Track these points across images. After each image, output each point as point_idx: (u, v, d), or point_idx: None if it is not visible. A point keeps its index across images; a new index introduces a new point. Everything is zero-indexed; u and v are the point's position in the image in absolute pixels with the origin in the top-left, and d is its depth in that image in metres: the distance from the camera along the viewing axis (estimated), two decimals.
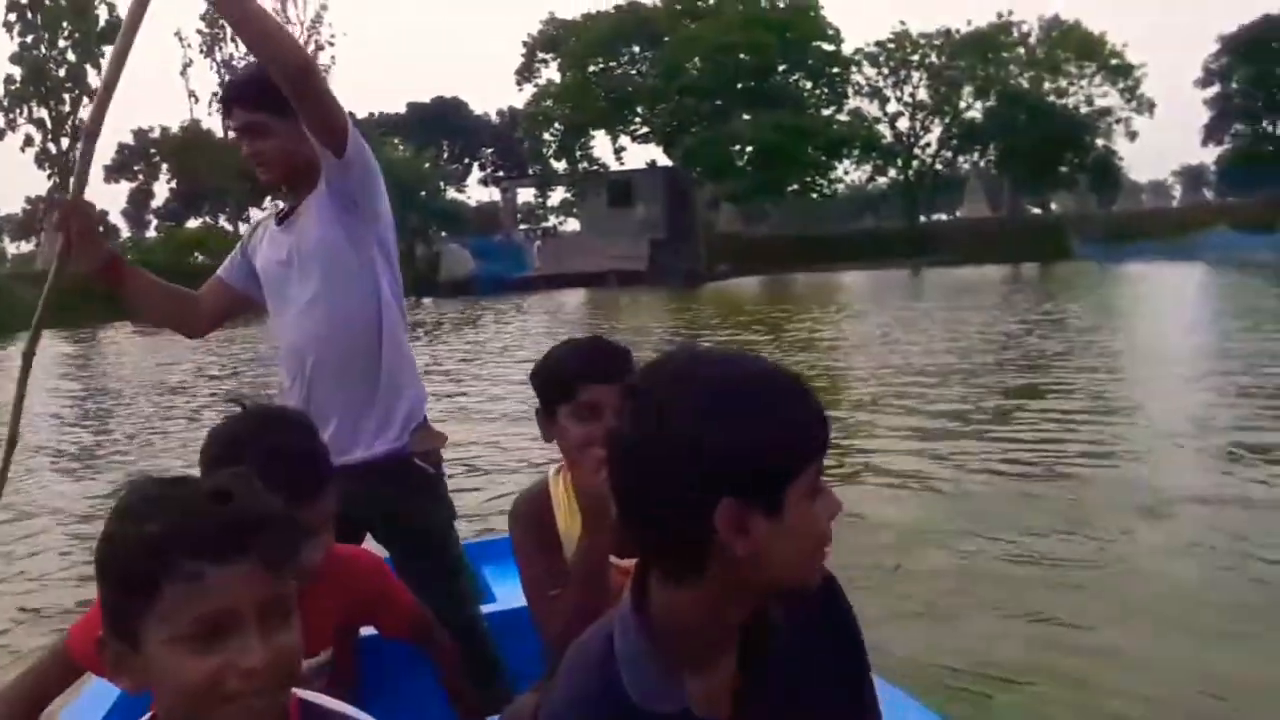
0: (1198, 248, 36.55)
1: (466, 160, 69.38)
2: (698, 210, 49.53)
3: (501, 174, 64.75)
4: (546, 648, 1.84)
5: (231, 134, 2.31)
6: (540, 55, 53.70)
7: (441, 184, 55.53)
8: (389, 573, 2.04)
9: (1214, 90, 53.17)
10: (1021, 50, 56.04)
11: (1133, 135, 55.47)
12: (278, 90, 2.06)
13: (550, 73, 53.99)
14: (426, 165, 49.29)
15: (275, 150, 2.23)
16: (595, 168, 51.33)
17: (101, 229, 2.40)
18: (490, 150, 69.60)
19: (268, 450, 1.54)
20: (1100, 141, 54.49)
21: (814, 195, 52.88)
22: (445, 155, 64.64)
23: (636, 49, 52.29)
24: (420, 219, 48.13)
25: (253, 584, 0.98)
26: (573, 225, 55.29)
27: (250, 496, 1.02)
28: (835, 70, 52.98)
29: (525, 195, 58.08)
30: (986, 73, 54.47)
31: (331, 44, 54.34)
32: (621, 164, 52.49)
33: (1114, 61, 54.80)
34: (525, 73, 54.37)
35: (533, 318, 25.11)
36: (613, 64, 52.26)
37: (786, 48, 48.88)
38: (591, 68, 51.52)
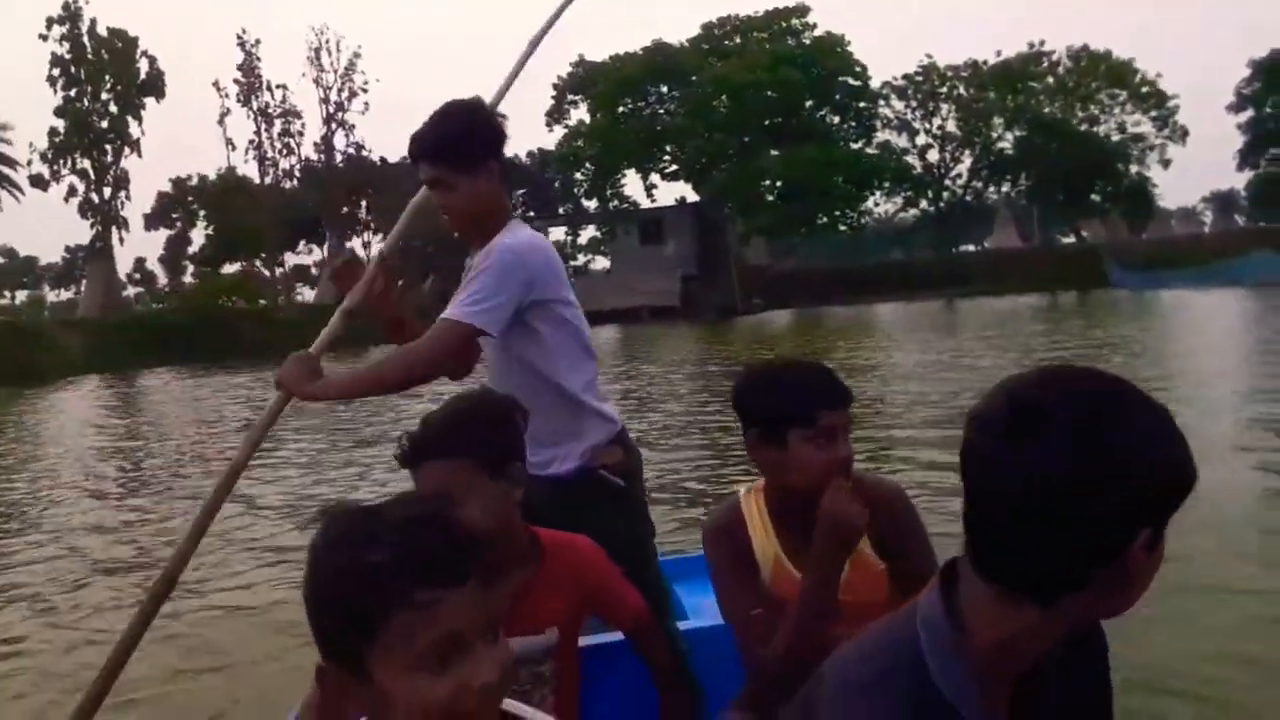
0: (1236, 271, 36.06)
1: None
2: (728, 245, 49.72)
3: (533, 214, 65.39)
4: (750, 666, 1.83)
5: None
6: (570, 97, 54.45)
7: None
8: (610, 562, 2.03)
9: (1247, 115, 52.84)
10: (1051, 80, 56.01)
11: (1166, 163, 55.17)
12: (455, 145, 2.31)
13: (580, 113, 54.74)
14: None
15: (455, 203, 2.38)
16: (626, 205, 51.80)
17: (400, 283, 2.67)
18: (521, 191, 70.38)
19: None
20: (1134, 169, 54.28)
21: (842, 228, 52.95)
22: None
23: (664, 89, 52.90)
24: (455, 263, 48.64)
25: (475, 605, 1.00)
26: (603, 263, 55.61)
27: (456, 521, 1.04)
28: (863, 104, 53.30)
29: (555, 234, 58.57)
30: (1016, 103, 54.46)
31: (365, 90, 55.12)
32: (653, 201, 52.93)
33: (1144, 89, 54.60)
34: (555, 114, 55.14)
35: None
36: (641, 104, 52.89)
37: (814, 84, 49.30)
38: (620, 108, 52.14)
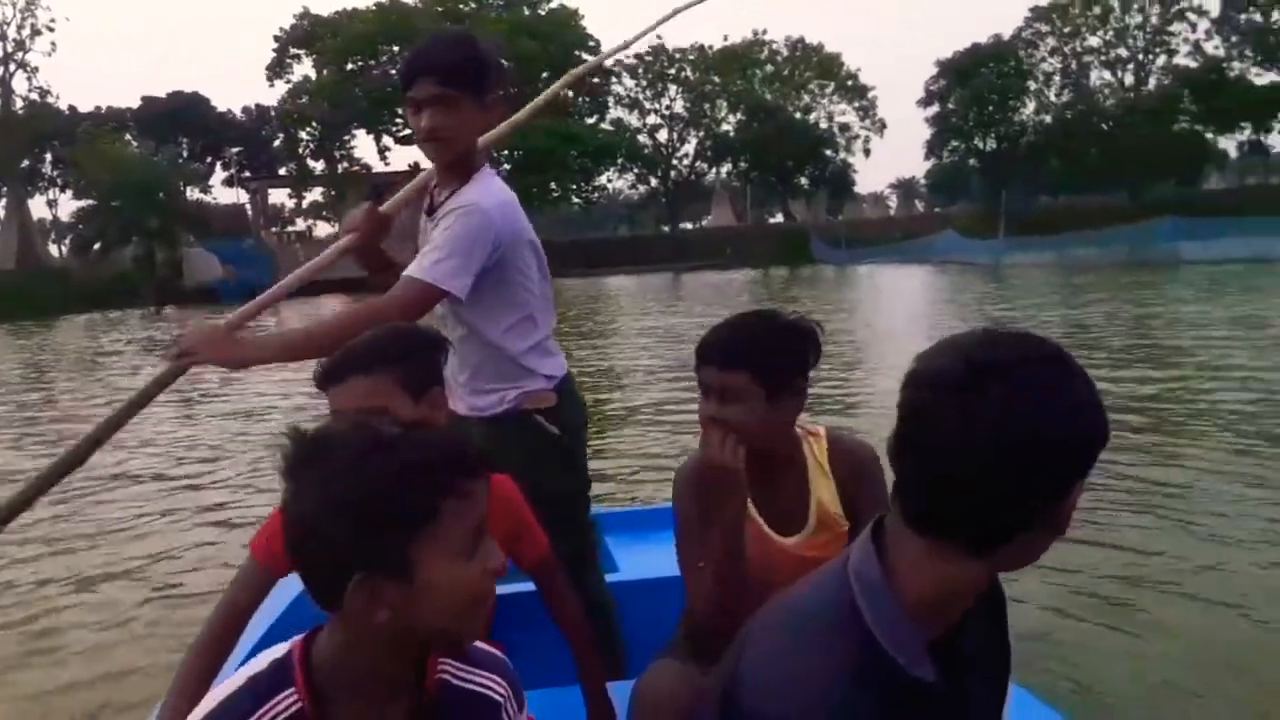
0: (925, 250, 40.36)
1: (209, 159, 64.91)
2: None
3: (249, 174, 61.18)
4: (689, 614, 1.84)
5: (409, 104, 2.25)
6: (293, 51, 51.30)
7: (182, 184, 51.85)
8: (525, 502, 2.00)
9: (934, 110, 58.86)
10: (770, 67, 59.77)
11: (868, 151, 60.97)
12: (471, 68, 2.18)
13: (304, 69, 51.73)
14: (164, 164, 45.80)
15: (453, 127, 2.21)
16: (356, 168, 49.64)
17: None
18: (236, 149, 65.53)
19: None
20: (841, 156, 59.34)
21: (576, 202, 53.78)
22: (185, 154, 60.34)
23: (397, 49, 51.10)
24: (161, 221, 44.69)
25: (486, 493, 1.08)
26: (327, 229, 53.14)
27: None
28: (597, 80, 54.14)
29: (278, 196, 55.25)
30: (738, 88, 57.64)
31: (51, 29, 49.17)
32: (387, 165, 51.10)
33: (850, 83, 59.71)
34: (277, 69, 51.77)
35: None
36: (372, 63, 50.75)
37: (550, 56, 49.44)
38: (350, 65, 49.78)
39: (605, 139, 52.22)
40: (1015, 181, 52.02)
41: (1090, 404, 1.03)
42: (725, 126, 58.96)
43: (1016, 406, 0.99)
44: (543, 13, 52.16)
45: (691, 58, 58.31)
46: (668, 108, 59.25)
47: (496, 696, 1.20)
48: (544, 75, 51.04)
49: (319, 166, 50.46)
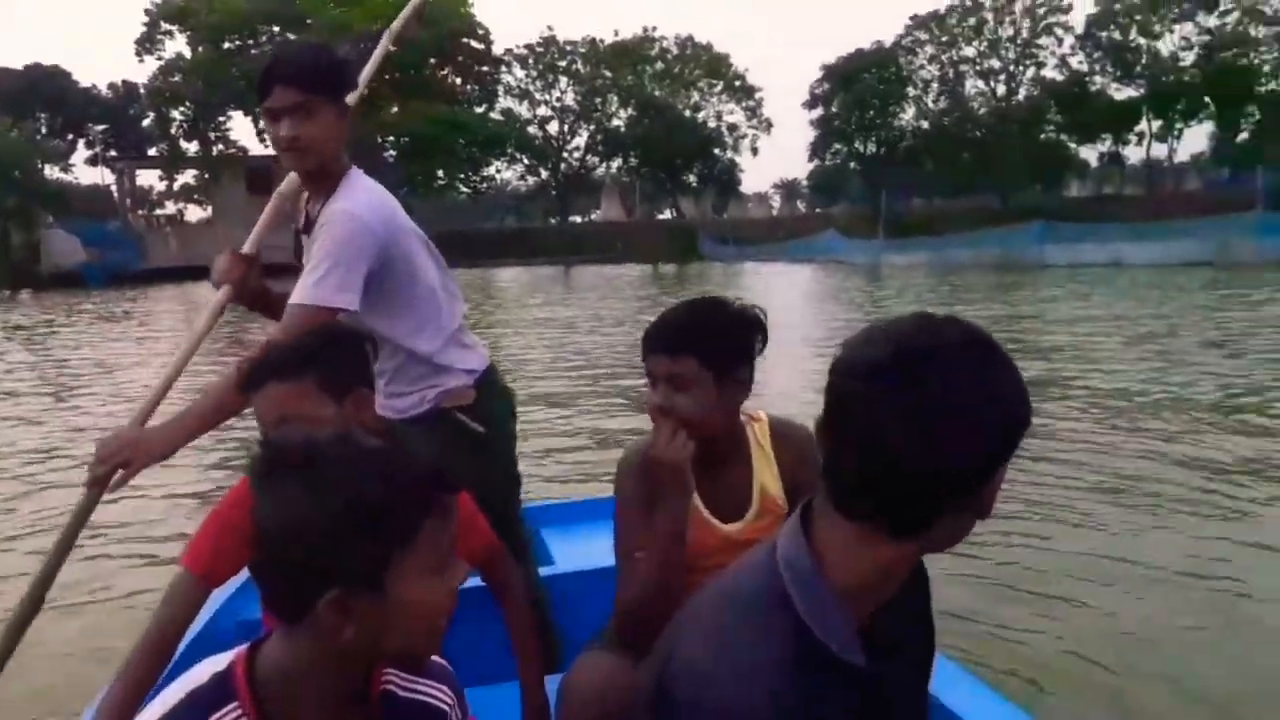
0: (808, 248, 41.38)
1: (71, 136, 61.38)
2: None
3: (115, 154, 58.08)
4: (620, 605, 1.78)
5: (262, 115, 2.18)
6: (165, 26, 48.87)
7: (40, 162, 48.94)
8: (467, 496, 1.89)
9: (818, 113, 60.25)
10: (661, 64, 60.14)
11: (755, 150, 62.05)
12: (331, 72, 2.14)
13: (178, 45, 49.41)
14: (21, 140, 43.15)
15: (315, 135, 2.15)
16: (233, 151, 47.67)
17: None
18: (101, 127, 62.12)
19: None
20: (729, 155, 60.23)
21: (464, 191, 53.01)
22: (44, 130, 56.95)
23: (276, 29, 49.27)
24: (16, 200, 42.09)
25: (457, 510, 1.09)
26: (199, 213, 50.98)
27: None
28: (485, 69, 53.46)
29: (147, 178, 52.66)
30: (629, 83, 57.81)
31: None
32: (265, 148, 49.21)
33: (738, 83, 60.64)
34: (147, 44, 49.23)
35: (150, 317, 22.56)
36: (250, 42, 48.80)
37: (439, 42, 48.52)
38: (226, 44, 47.74)
39: (495, 129, 51.60)
40: (892, 184, 53.80)
41: (1013, 388, 1.04)
42: (616, 121, 59.10)
43: (941, 392, 1.00)
44: None
45: (583, 50, 58.19)
46: (559, 100, 59.05)
47: (443, 705, 1.19)
48: (431, 61, 50.21)
49: (192, 148, 48.21)
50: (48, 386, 10.71)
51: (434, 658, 1.19)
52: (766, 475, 1.84)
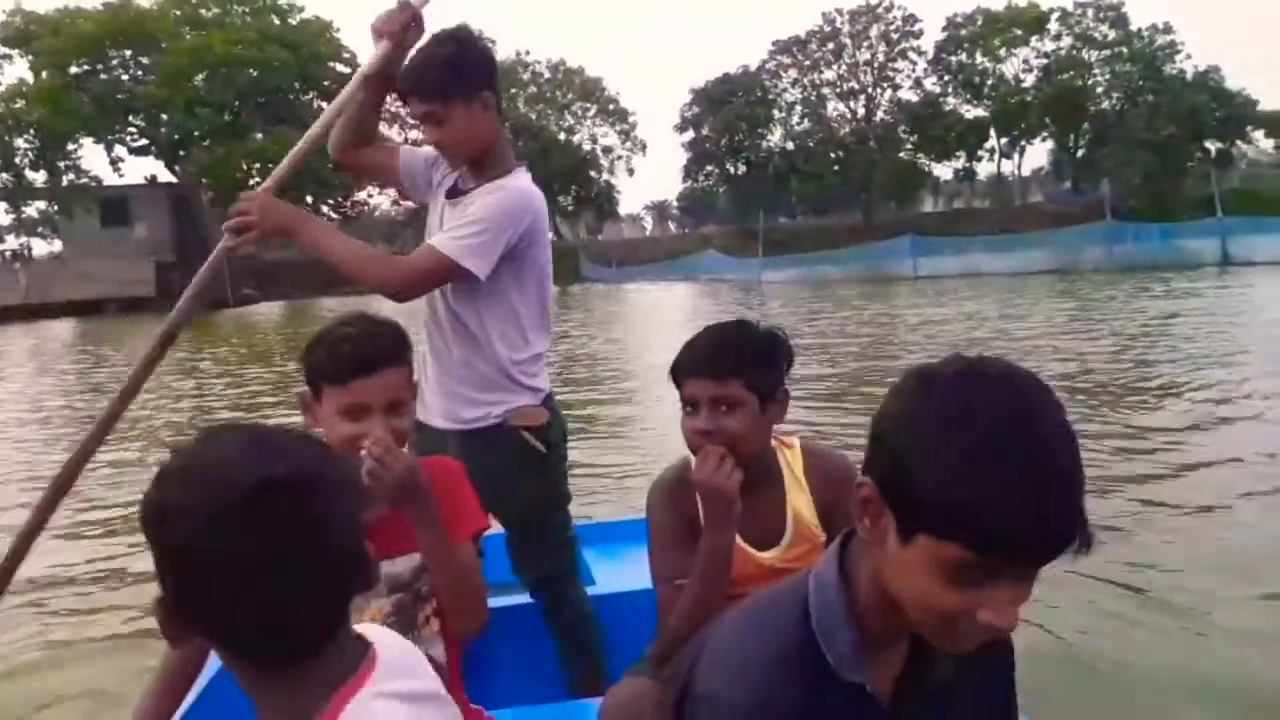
0: (690, 268, 42.13)
1: None
2: (210, 230, 45.82)
3: None
4: (662, 633, 1.74)
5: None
6: (3, 50, 46.05)
7: None
8: (469, 483, 1.85)
9: (689, 135, 61.52)
10: (534, 88, 60.27)
11: (631, 171, 62.94)
12: (444, 75, 2.13)
13: (18, 70, 46.60)
14: None
15: (449, 139, 2.19)
16: (85, 181, 45.17)
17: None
18: None
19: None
20: (605, 177, 60.76)
21: (335, 217, 51.73)
22: None
23: (128, 53, 47.10)
24: None
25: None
26: (45, 247, 48.02)
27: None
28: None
29: None
30: (503, 107, 57.77)
31: None
32: (121, 177, 46.96)
33: (611, 106, 61.33)
34: None
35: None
36: (99, 66, 46.46)
37: (303, 66, 47.28)
38: (74, 69, 45.32)
39: None
40: (763, 204, 55.43)
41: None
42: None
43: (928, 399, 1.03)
44: (294, 22, 49.83)
45: None
46: None
47: None
48: (296, 85, 48.86)
49: (39, 178, 45.45)
50: None
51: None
52: (800, 502, 1.81)
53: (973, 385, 1.02)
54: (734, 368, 1.71)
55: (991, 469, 0.96)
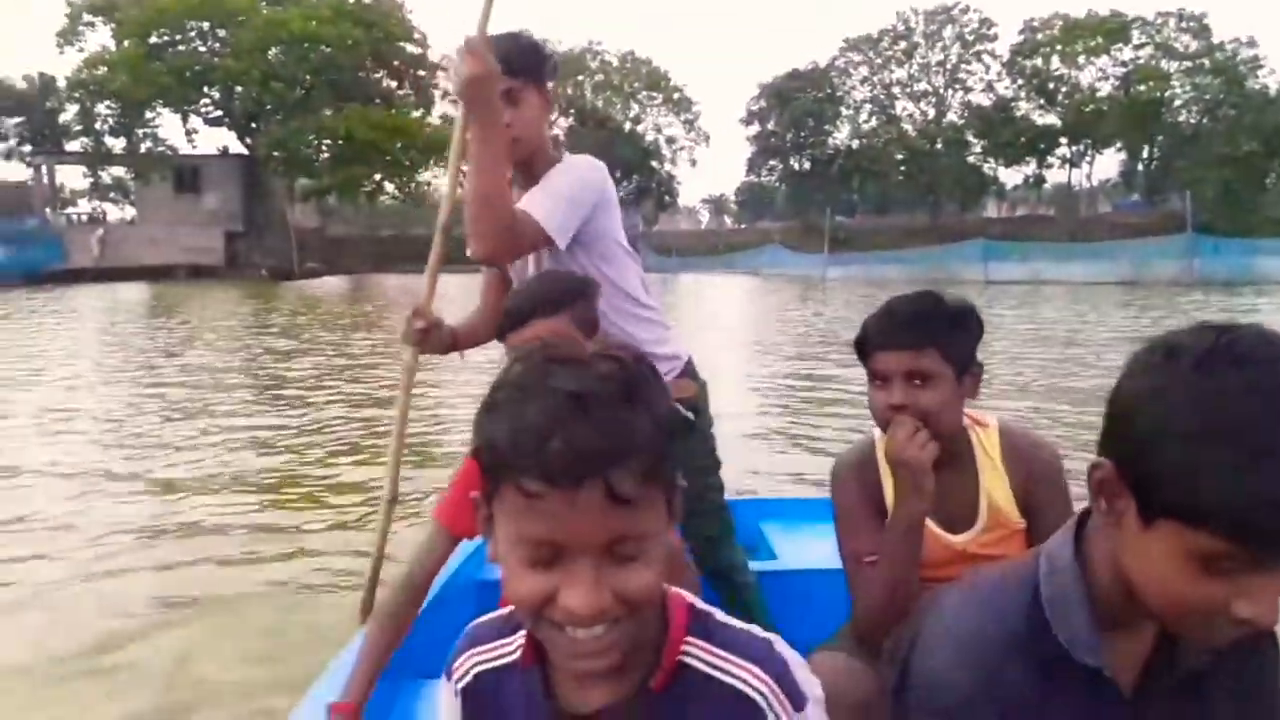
0: (753, 261, 42.03)
1: None
2: (278, 203, 46.55)
3: (29, 148, 55.77)
4: (858, 613, 1.70)
5: None
6: (88, 18, 47.11)
7: None
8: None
9: (755, 129, 61.25)
10: (602, 76, 60.43)
11: (693, 162, 62.83)
12: (531, 53, 2.12)
13: (100, 37, 47.62)
14: None
15: (523, 120, 2.15)
16: (161, 149, 46.13)
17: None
18: (17, 121, 59.64)
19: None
20: (668, 168, 60.86)
21: (396, 196, 52.31)
22: None
23: (206, 25, 47.94)
24: None
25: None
26: (118, 213, 49.15)
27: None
28: (422, 74, 52.84)
29: (68, 175, 50.60)
30: (569, 94, 58.00)
31: None
32: (194, 147, 47.85)
33: (676, 95, 61.28)
34: (69, 36, 47.37)
35: (73, 316, 21.46)
36: (178, 38, 47.36)
37: (375, 44, 47.78)
38: (154, 38, 46.23)
39: (435, 133, 51.02)
40: (826, 201, 55.01)
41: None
42: (555, 130, 59.18)
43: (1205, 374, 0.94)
44: (368, 1, 50.39)
45: None
46: None
47: (755, 694, 0.92)
48: (368, 62, 49.37)
49: (119, 145, 46.46)
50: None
51: (752, 629, 0.98)
52: (995, 486, 1.70)
53: (1226, 359, 0.93)
54: (930, 337, 1.61)
55: (1245, 451, 0.88)
